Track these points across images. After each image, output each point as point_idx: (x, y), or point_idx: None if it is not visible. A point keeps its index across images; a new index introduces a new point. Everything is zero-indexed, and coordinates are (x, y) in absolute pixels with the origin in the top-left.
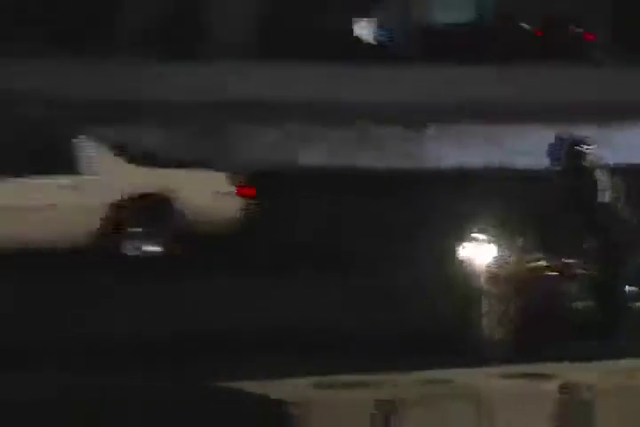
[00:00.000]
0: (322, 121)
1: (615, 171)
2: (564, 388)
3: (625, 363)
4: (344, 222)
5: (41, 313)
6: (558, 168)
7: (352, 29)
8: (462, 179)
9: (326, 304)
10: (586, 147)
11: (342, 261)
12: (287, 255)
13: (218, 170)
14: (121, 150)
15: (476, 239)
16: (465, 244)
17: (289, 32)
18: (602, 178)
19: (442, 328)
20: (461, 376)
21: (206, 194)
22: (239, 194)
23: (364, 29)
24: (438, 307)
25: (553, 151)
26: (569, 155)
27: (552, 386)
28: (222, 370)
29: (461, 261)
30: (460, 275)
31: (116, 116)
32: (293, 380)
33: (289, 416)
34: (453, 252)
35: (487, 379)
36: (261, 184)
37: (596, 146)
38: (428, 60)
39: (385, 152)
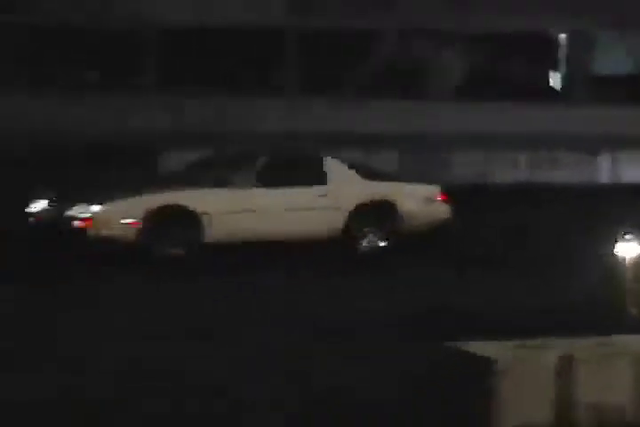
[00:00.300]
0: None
1: None
2: None
3: None
4: (527, 228)
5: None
6: None
7: (536, 75)
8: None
9: (517, 293)
10: None
11: (526, 258)
12: (479, 252)
13: (426, 183)
14: (355, 168)
15: (625, 240)
16: (618, 244)
17: (487, 77)
18: None
19: (605, 307)
20: (621, 341)
21: (418, 201)
22: (441, 201)
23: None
24: (600, 292)
25: None
26: None
27: None
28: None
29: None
30: (616, 267)
31: (354, 143)
32: (498, 342)
33: (493, 370)
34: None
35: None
36: (461, 195)
37: None
38: (595, 102)
39: (566, 171)
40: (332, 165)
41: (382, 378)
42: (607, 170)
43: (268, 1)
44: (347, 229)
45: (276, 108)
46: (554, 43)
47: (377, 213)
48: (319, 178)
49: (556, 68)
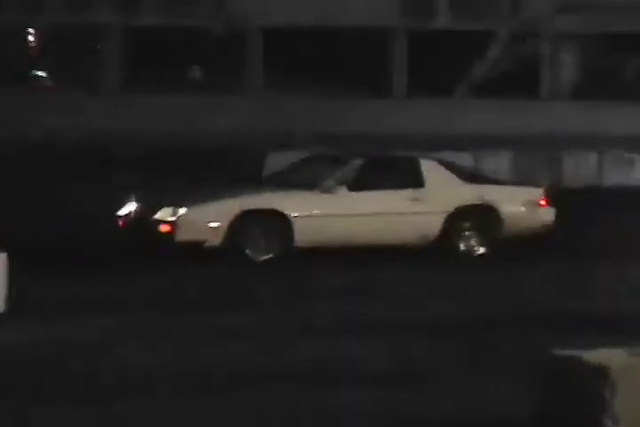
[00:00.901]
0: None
1: None
2: None
3: None
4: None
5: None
6: None
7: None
8: None
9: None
10: None
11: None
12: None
13: (527, 185)
14: (454, 170)
15: None
16: None
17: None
18: None
19: None
20: None
21: (520, 204)
22: (543, 205)
23: None
24: None
25: None
26: None
27: None
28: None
29: None
30: None
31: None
32: (611, 349)
33: (608, 378)
34: None
35: None
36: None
37: None
38: None
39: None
40: (430, 168)
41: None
42: None
43: (379, 3)
44: (444, 233)
45: (386, 110)
46: None
47: (477, 217)
48: (416, 180)
49: None
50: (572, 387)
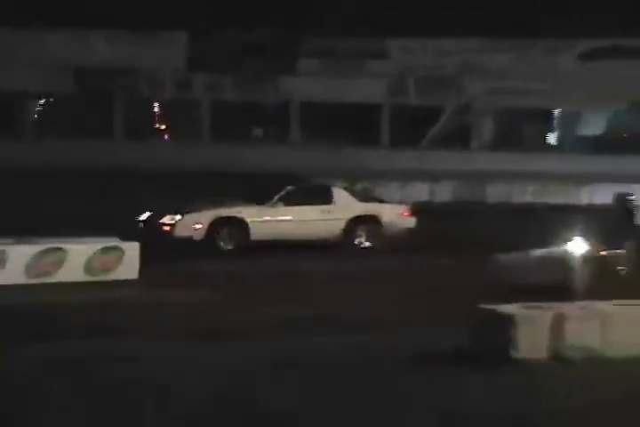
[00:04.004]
0: None
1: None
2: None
3: None
4: None
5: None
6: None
7: None
8: None
9: None
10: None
11: None
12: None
13: (398, 203)
14: (353, 193)
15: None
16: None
17: None
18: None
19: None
20: (595, 305)
21: (394, 215)
22: (407, 215)
23: None
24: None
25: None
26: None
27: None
28: None
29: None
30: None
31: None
32: (513, 304)
33: (513, 322)
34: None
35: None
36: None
37: None
38: None
39: None
40: (337, 191)
41: None
42: None
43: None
44: (345, 233)
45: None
46: None
47: (365, 223)
48: (328, 199)
49: None
50: (490, 328)
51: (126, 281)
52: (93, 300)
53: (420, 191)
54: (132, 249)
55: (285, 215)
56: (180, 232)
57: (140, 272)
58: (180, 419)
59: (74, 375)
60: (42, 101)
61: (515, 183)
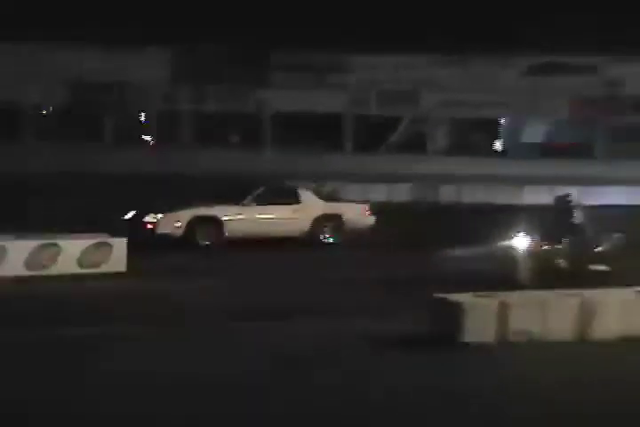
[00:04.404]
0: None
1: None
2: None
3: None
4: None
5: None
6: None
7: None
8: None
9: None
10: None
11: None
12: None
13: (358, 202)
14: (318, 194)
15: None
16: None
17: None
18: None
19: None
20: (540, 294)
21: (355, 213)
22: (368, 214)
23: None
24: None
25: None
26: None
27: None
28: None
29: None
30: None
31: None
32: (464, 293)
33: (462, 309)
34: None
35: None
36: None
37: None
38: None
39: None
40: (304, 193)
41: None
42: None
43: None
44: (311, 230)
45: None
46: None
47: (330, 221)
48: (296, 200)
49: None
50: (443, 315)
51: (115, 273)
52: (86, 289)
53: (380, 192)
54: (120, 245)
55: (257, 214)
56: (162, 230)
57: (128, 265)
58: None
59: (73, 351)
60: (43, 111)
61: (465, 185)
